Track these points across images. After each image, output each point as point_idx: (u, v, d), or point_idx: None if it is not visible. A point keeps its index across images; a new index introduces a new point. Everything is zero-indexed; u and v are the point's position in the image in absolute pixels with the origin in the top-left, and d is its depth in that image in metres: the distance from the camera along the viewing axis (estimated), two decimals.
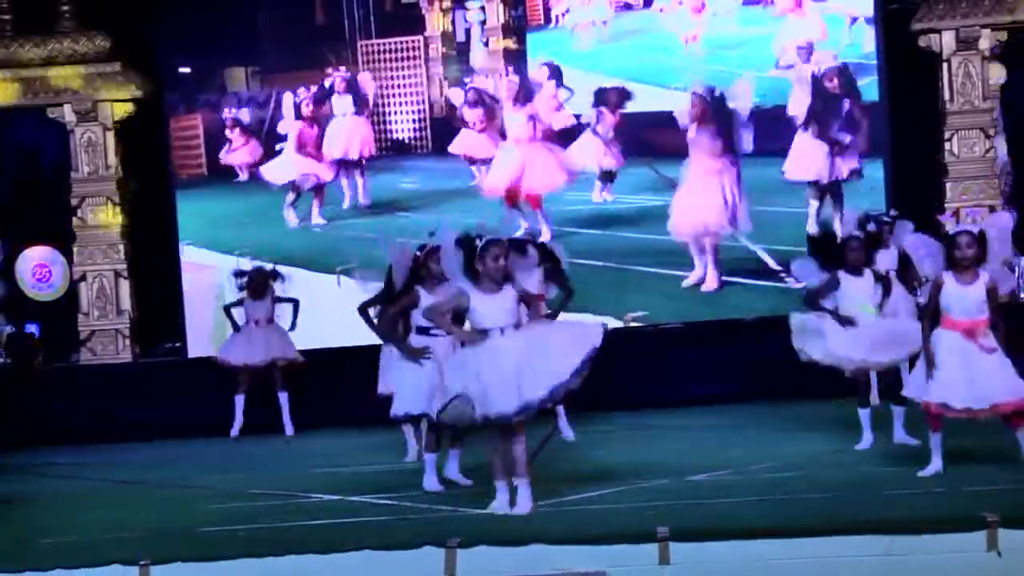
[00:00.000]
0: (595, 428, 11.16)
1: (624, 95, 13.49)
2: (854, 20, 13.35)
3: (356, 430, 11.88)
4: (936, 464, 7.99)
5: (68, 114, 13.78)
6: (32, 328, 14.20)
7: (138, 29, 13.89)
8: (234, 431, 12.38)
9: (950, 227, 8.42)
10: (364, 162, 13.97)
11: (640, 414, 11.92)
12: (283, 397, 12.40)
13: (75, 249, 13.82)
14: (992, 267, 8.05)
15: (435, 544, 6.79)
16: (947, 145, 12.97)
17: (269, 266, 12.62)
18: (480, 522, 7.38)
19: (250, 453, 11.60)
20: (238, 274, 12.51)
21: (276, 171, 14.05)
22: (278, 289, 12.49)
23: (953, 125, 12.98)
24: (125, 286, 13.79)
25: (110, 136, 13.80)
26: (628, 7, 13.69)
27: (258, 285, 12.39)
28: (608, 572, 6.57)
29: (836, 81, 13.17)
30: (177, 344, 13.73)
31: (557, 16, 13.71)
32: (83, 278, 13.78)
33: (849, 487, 7.78)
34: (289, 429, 12.38)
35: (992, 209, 12.83)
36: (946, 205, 12.87)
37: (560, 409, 10.36)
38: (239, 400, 12.42)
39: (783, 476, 8.37)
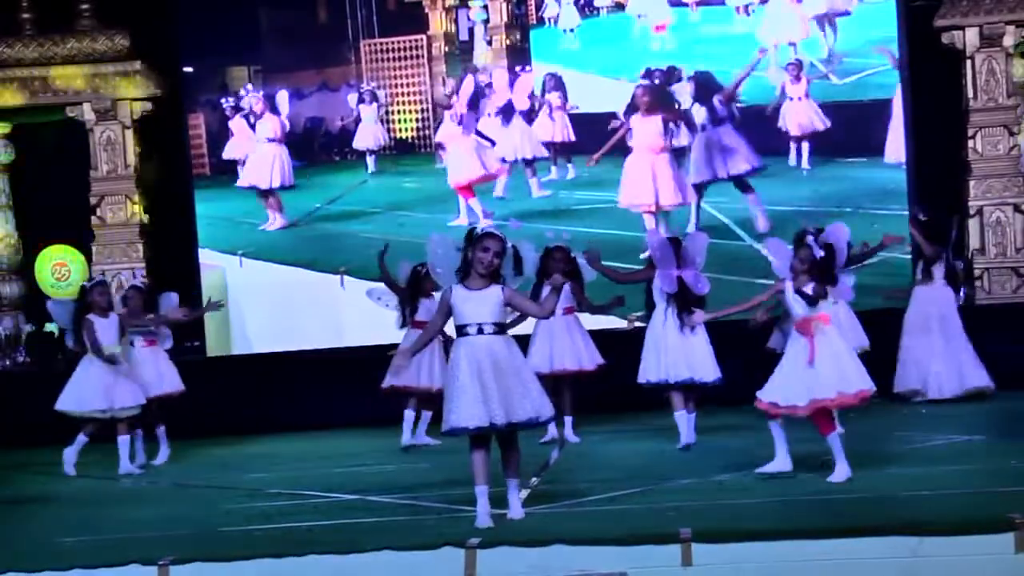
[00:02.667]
0: (617, 428, 11.11)
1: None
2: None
3: (374, 430, 11.84)
4: (842, 469, 7.92)
5: (87, 113, 13.78)
6: (52, 327, 14.18)
7: (157, 27, 13.87)
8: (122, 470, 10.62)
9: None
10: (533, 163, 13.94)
11: (662, 414, 11.84)
12: (160, 431, 11.20)
13: (94, 248, 13.81)
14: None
15: (455, 544, 6.76)
16: (970, 143, 12.88)
17: (143, 283, 11.52)
18: (500, 522, 7.32)
19: (270, 452, 11.58)
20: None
21: (460, 171, 13.87)
22: (164, 308, 11.05)
23: (976, 122, 12.88)
24: None
25: (129, 135, 13.80)
26: (620, 7, 13.63)
27: (132, 304, 10.92)
28: (629, 573, 6.52)
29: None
30: (196, 343, 13.70)
31: (543, 16, 13.69)
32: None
33: (874, 487, 7.71)
34: (140, 458, 10.95)
35: (1016, 207, 12.76)
36: (969, 203, 12.80)
37: (567, 418, 10.31)
38: (123, 441, 10.64)
39: (807, 476, 8.30)
